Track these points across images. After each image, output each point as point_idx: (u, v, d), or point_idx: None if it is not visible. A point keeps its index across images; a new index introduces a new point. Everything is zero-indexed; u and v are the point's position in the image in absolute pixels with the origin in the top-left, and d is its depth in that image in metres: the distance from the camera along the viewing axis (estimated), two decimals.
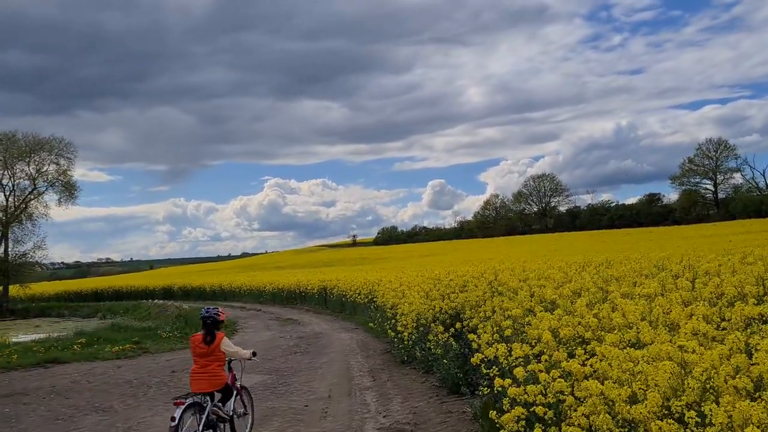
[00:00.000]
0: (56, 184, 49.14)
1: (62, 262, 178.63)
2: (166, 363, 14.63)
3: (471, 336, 9.07)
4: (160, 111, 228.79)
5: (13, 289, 48.41)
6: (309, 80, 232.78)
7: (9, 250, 47.55)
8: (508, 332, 7.82)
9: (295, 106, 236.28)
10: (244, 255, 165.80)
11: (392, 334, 13.63)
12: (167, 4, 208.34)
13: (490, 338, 7.77)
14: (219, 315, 7.08)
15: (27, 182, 48.46)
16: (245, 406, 7.72)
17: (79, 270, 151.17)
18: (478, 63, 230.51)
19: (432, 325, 11.94)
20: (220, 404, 6.99)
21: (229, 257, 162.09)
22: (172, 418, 6.22)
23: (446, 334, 10.65)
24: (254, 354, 7.45)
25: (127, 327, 20.84)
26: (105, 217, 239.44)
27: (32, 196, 48.56)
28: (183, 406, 6.34)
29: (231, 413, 7.15)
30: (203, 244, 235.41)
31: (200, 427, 6.53)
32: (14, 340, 21.80)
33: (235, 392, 7.32)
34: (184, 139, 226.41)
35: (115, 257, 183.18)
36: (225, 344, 6.98)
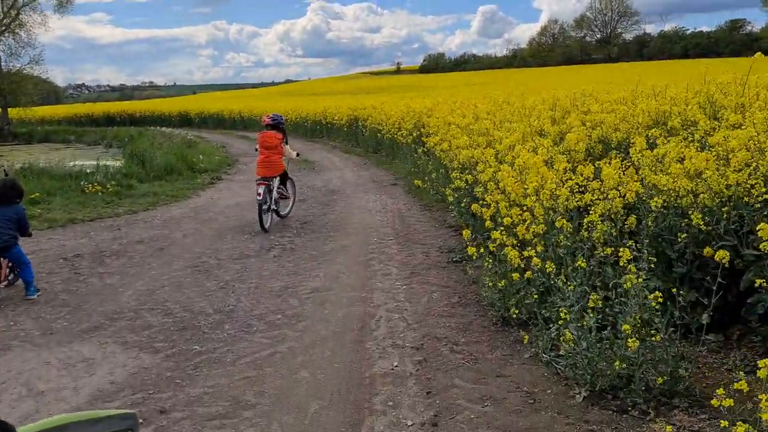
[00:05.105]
0: None
1: (108, 85, 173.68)
2: None
3: None
4: None
5: (14, 112, 41.21)
6: None
7: (2, 65, 39.63)
8: None
9: None
10: (288, 82, 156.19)
11: (467, 231, 5.42)
12: None
13: None
14: (283, 120, 9.40)
15: None
16: (288, 192, 9.52)
17: (123, 93, 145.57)
18: None
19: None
20: (283, 186, 9.21)
21: (273, 84, 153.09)
22: (258, 194, 8.36)
23: None
24: (298, 154, 9.64)
25: (44, 172, 13.17)
26: (147, 39, 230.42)
27: (23, 1, 39.61)
28: (264, 186, 8.43)
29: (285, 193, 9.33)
30: (247, 70, 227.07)
31: (271, 201, 8.65)
32: None
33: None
34: None
35: (159, 81, 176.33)
36: (285, 147, 9.14)
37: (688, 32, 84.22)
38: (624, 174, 4.59)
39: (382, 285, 6.03)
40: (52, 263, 7.03)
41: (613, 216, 4.46)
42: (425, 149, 11.81)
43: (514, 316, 4.57)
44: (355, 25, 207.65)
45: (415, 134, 14.49)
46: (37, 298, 5.78)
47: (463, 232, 5.62)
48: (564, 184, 4.60)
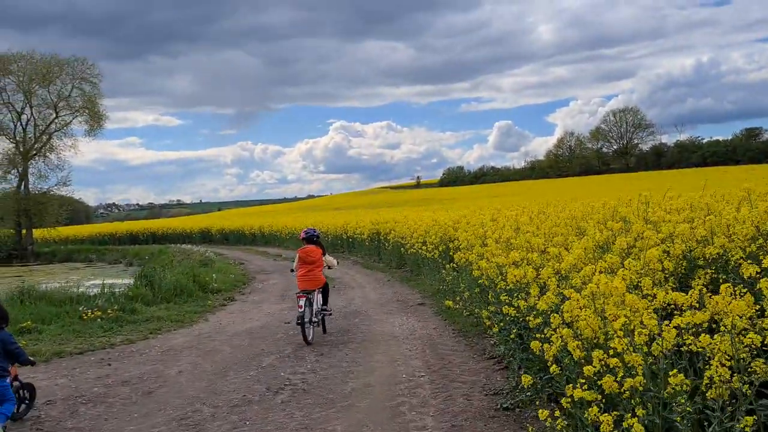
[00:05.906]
0: (81, 112, 41.03)
1: (137, 204, 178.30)
2: None
3: None
4: (227, 54, 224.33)
5: (39, 232, 41.28)
6: (375, 20, 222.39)
7: (30, 186, 40.11)
8: None
9: (360, 47, 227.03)
10: (310, 197, 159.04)
11: (528, 377, 4.17)
12: None
13: None
14: (318, 233, 9.41)
15: (48, 111, 40.55)
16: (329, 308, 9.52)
17: (152, 211, 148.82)
18: None
19: None
20: (326, 306, 9.18)
21: (296, 199, 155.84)
22: (299, 306, 8.23)
23: None
24: (338, 262, 9.96)
25: (44, 296, 12.22)
26: (176, 160, 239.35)
27: (55, 126, 40.72)
28: (304, 299, 8.29)
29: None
30: (271, 187, 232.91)
31: (312, 314, 8.47)
32: None
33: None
34: (250, 82, 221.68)
35: (186, 199, 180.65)
36: (325, 257, 9.21)
37: (704, 141, 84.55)
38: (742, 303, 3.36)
39: None
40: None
41: (736, 364, 3.20)
42: (454, 265, 10.65)
43: None
44: (375, 142, 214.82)
45: (441, 248, 13.38)
46: None
47: (522, 378, 4.33)
48: (667, 321, 3.34)
